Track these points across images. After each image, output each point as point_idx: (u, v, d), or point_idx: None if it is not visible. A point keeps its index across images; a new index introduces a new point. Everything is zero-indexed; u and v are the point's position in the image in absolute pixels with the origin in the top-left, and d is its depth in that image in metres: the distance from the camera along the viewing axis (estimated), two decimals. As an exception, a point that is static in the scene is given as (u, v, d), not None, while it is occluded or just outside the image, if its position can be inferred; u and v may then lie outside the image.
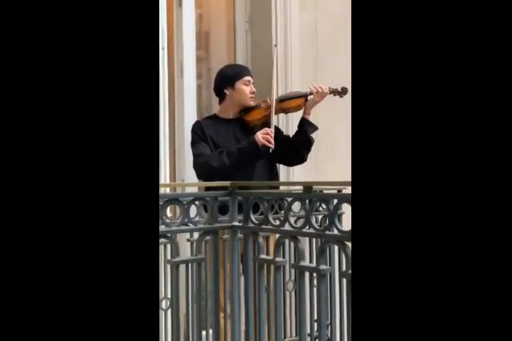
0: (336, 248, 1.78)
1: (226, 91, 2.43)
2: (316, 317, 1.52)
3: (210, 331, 1.82)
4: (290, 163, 2.58)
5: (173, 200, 1.59)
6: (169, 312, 1.75)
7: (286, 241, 1.76)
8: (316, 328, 1.68)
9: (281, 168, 2.71)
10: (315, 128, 2.43)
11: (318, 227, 1.45)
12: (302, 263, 1.51)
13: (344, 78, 2.10)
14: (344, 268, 1.55)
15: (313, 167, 2.70)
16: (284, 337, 2.11)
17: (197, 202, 1.64)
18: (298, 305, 1.56)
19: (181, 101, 2.62)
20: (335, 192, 1.91)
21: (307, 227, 1.47)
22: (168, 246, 1.71)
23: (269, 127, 2.32)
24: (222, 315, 1.87)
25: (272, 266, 1.57)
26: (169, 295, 1.73)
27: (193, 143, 2.37)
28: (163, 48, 2.36)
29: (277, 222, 1.57)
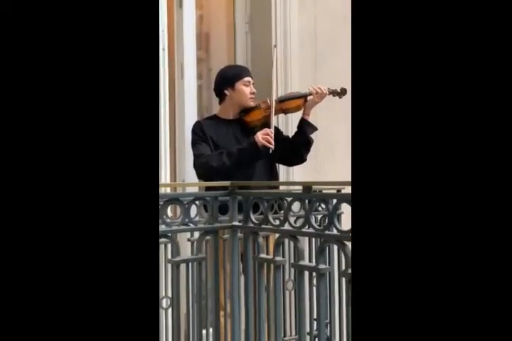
0: (335, 247, 1.77)
1: (226, 91, 2.44)
2: (315, 316, 1.53)
3: (211, 330, 1.83)
4: (290, 163, 2.59)
5: (174, 200, 1.59)
6: (170, 311, 1.75)
7: (286, 240, 1.77)
8: (315, 327, 1.69)
9: (281, 168, 2.71)
10: (314, 128, 2.44)
11: (317, 227, 1.46)
12: (302, 263, 1.52)
13: (343, 79, 2.12)
14: (343, 268, 1.56)
15: (312, 167, 2.71)
16: (284, 336, 2.11)
17: (197, 202, 1.64)
18: (297, 304, 1.57)
19: (182, 102, 2.62)
20: (334, 192, 1.91)
21: (307, 227, 1.47)
22: (169, 246, 1.72)
23: (269, 127, 2.33)
24: (222, 313, 1.87)
25: (272, 266, 1.58)
26: (170, 294, 1.73)
27: (194, 144, 2.38)
28: (163, 49, 2.36)
29: (277, 222, 1.58)
